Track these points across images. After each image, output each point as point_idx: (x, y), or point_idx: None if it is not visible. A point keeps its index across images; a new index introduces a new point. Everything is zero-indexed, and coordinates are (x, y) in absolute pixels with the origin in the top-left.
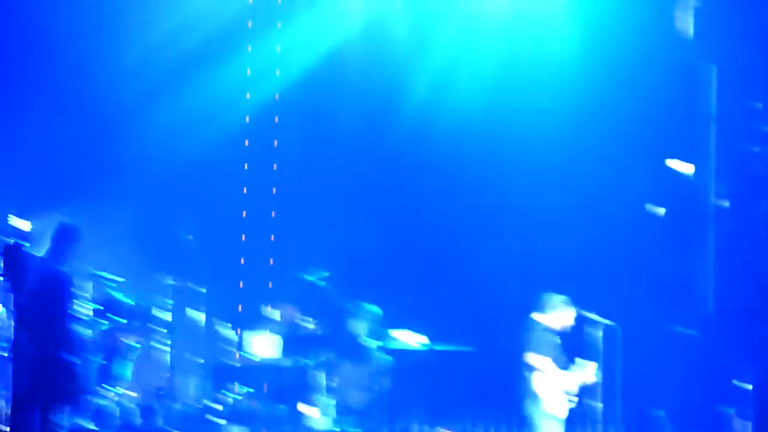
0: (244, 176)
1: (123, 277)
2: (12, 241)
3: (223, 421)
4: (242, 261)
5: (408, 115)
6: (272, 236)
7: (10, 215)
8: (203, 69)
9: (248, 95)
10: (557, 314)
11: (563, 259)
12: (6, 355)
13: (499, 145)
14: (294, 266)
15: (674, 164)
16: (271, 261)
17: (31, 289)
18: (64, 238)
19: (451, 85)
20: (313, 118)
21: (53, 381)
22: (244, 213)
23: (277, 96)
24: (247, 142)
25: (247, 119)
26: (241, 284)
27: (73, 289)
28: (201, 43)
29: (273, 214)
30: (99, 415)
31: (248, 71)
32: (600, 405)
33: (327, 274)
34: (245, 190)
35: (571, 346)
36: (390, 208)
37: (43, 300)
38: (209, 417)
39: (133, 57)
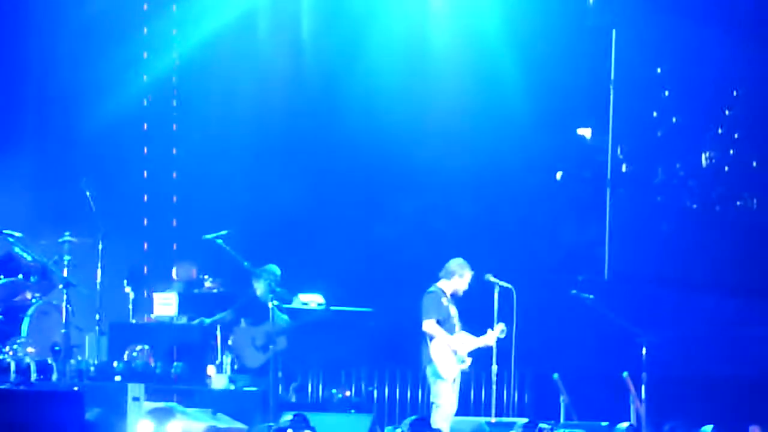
0: (144, 136)
1: (21, 233)
2: None
3: (118, 378)
4: (145, 222)
5: (311, 79)
6: (174, 197)
7: None
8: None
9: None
10: (455, 278)
11: (463, 221)
12: None
13: (405, 107)
14: (195, 225)
15: (573, 128)
16: (174, 222)
17: None
18: None
19: (361, 47)
20: (213, 81)
21: None
22: (145, 173)
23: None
24: (145, 101)
25: (145, 77)
26: (145, 246)
27: None
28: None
29: (174, 175)
30: None
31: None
32: (495, 367)
33: (226, 232)
34: (145, 150)
35: (470, 309)
36: (292, 170)
37: None
38: (105, 373)
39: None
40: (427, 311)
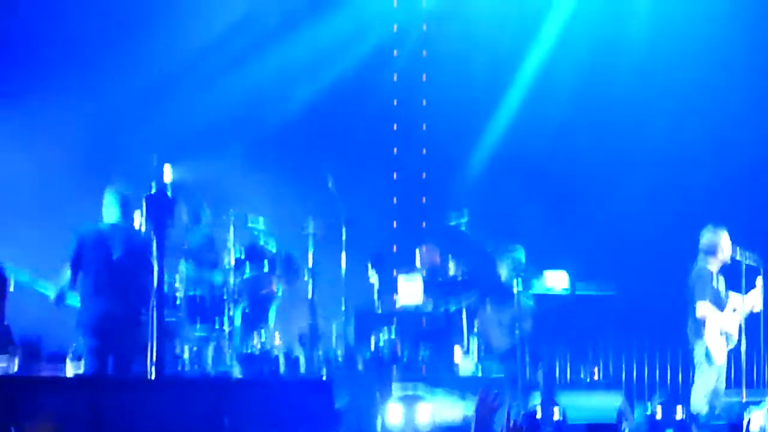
0: (394, 112)
1: (266, 224)
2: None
3: (361, 366)
4: (394, 200)
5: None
6: (423, 174)
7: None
8: None
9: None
10: (714, 249)
11: (701, 195)
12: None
13: (639, 79)
14: (440, 211)
15: None
16: (424, 200)
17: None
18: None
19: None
20: (462, 54)
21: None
22: (395, 150)
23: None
24: (395, 77)
25: (395, 53)
26: (395, 224)
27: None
28: None
29: (424, 151)
30: (243, 361)
31: None
32: (744, 344)
33: (466, 219)
34: (395, 126)
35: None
36: (532, 149)
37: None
38: (352, 361)
39: None
40: (699, 292)
